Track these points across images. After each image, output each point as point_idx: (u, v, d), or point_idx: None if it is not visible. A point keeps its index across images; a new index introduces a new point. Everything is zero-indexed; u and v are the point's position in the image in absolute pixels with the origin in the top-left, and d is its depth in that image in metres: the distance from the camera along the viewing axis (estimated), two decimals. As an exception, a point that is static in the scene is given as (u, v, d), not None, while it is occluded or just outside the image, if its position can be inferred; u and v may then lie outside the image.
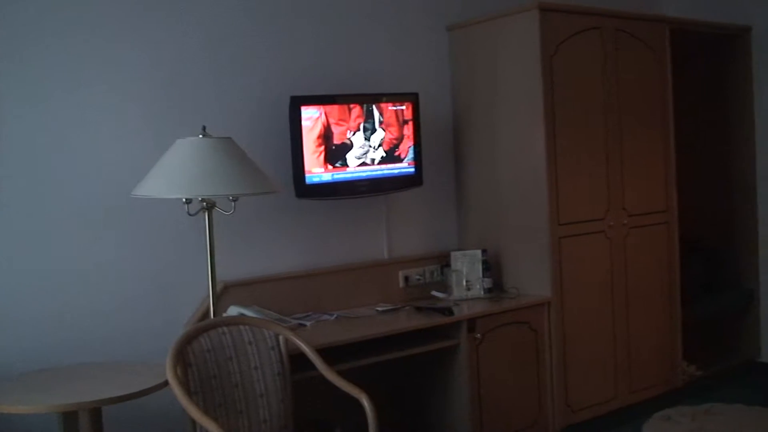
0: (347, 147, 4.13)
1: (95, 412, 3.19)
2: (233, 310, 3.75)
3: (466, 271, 4.48)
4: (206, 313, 3.66)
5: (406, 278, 4.55)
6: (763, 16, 5.62)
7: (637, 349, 4.86)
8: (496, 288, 4.57)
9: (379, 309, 4.24)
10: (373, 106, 4.21)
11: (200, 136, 3.39)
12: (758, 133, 5.71)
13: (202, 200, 3.43)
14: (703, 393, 5.27)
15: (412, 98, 4.36)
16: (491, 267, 4.52)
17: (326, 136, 4.05)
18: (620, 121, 4.75)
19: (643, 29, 4.90)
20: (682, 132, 5.51)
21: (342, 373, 3.31)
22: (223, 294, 3.86)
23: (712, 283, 5.71)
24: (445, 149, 4.82)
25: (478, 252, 4.51)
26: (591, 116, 4.61)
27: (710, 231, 5.94)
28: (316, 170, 4.03)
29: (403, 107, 4.32)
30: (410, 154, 4.37)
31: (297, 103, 3.96)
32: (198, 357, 3.21)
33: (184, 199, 3.36)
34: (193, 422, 3.11)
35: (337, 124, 4.08)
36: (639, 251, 4.87)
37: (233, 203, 3.49)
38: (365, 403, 3.11)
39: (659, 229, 5.01)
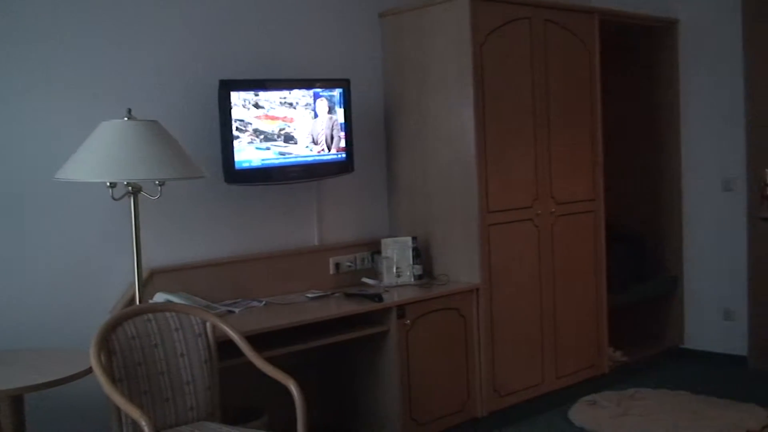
0: (278, 132, 4.10)
1: (17, 400, 3.12)
2: (160, 297, 3.71)
3: (397, 258, 4.50)
4: (132, 300, 3.60)
5: (337, 265, 4.55)
6: (690, 10, 5.74)
7: (564, 335, 4.94)
8: (427, 275, 4.60)
9: (309, 296, 4.23)
10: (304, 91, 4.19)
11: (125, 118, 3.33)
12: (684, 124, 5.84)
13: (128, 184, 3.37)
14: (629, 378, 5.40)
15: (344, 84, 4.35)
16: (421, 254, 4.55)
17: (257, 121, 4.02)
18: (549, 110, 4.81)
19: (573, 20, 4.97)
20: (612, 122, 5.63)
21: (271, 360, 3.29)
22: (149, 281, 3.81)
23: (637, 270, 5.83)
24: (377, 136, 4.82)
25: (409, 239, 4.53)
26: (520, 105, 4.66)
27: (636, 220, 6.07)
28: (246, 155, 3.99)
29: (334, 93, 4.31)
30: (341, 141, 4.36)
31: (226, 87, 3.92)
32: (123, 344, 3.16)
33: (108, 183, 3.30)
34: (118, 410, 3.07)
35: (267, 109, 4.05)
36: (566, 239, 4.95)
37: (159, 188, 3.44)
38: (293, 389, 3.09)
39: (586, 218, 5.10)
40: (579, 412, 4.79)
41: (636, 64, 6.04)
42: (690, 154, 5.84)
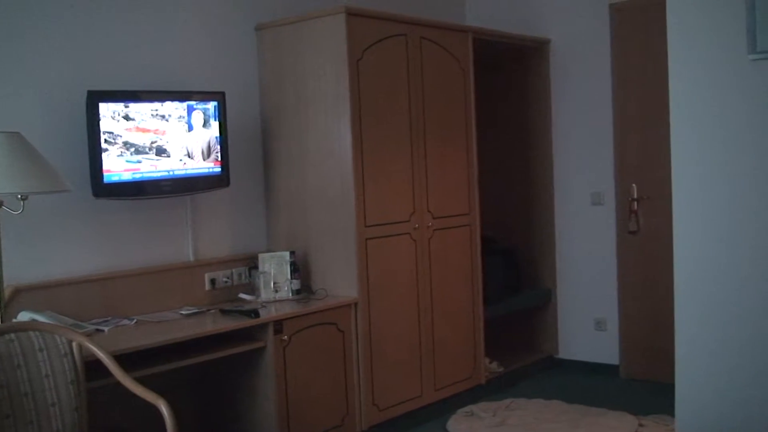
0: (149, 145, 4.00)
1: None
2: (24, 316, 3.54)
3: (274, 272, 4.45)
4: (-7, 320, 3.43)
5: (213, 281, 4.47)
6: (561, 30, 5.94)
7: (442, 347, 4.99)
8: (305, 289, 4.57)
9: (183, 312, 4.14)
10: (177, 104, 4.11)
11: (-15, 130, 3.19)
12: (555, 139, 6.03)
13: (-12, 199, 3.23)
14: (505, 388, 5.51)
15: (219, 97, 4.29)
16: (299, 269, 4.52)
17: (127, 133, 3.91)
18: (425, 126, 4.87)
19: (448, 38, 5.06)
20: (486, 138, 5.75)
21: (145, 380, 3.19)
22: (13, 299, 3.63)
23: (512, 283, 5.96)
24: (254, 150, 4.77)
25: (287, 254, 4.50)
26: (397, 121, 4.71)
27: (511, 233, 6.21)
28: (116, 169, 3.87)
29: (209, 106, 4.24)
30: (216, 154, 4.29)
31: (95, 98, 3.80)
32: (-19, 366, 3.01)
33: (-34, 197, 3.15)
34: (-25, 435, 2.92)
35: (138, 121, 3.95)
36: (443, 252, 5.02)
37: (22, 202, 3.30)
38: (163, 409, 3.00)
39: (462, 231, 5.18)
40: (457, 423, 4.84)
41: (510, 82, 6.22)
42: (561, 169, 6.02)
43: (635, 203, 5.62)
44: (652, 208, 5.52)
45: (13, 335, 3.16)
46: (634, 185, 5.61)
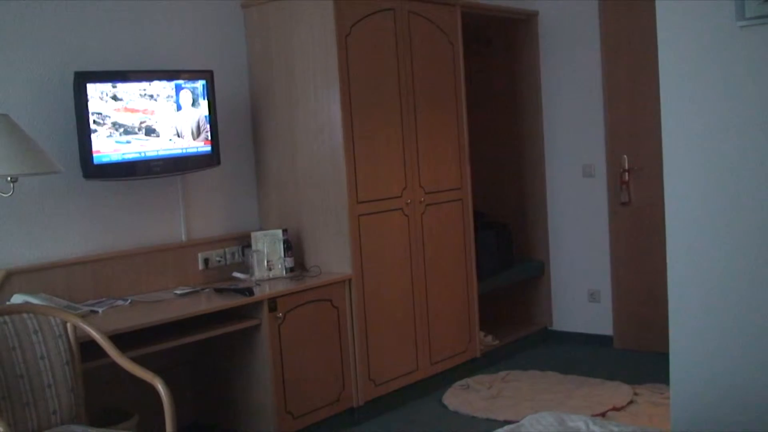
0: (138, 125, 3.98)
1: None
2: (18, 299, 3.54)
3: (268, 251, 4.45)
4: (-14, 303, 3.43)
5: (206, 260, 4.46)
6: (548, 1, 5.92)
7: (436, 322, 5.01)
8: (298, 267, 4.57)
9: (177, 292, 4.13)
10: (165, 83, 4.09)
11: (-27, 113, 3.17)
12: (545, 112, 6.02)
13: (-23, 182, 3.21)
14: (500, 361, 5.54)
15: (207, 76, 4.27)
16: (293, 246, 4.52)
17: (115, 114, 3.89)
18: (415, 101, 4.86)
19: (436, 12, 5.03)
20: (477, 112, 5.74)
21: (140, 359, 3.20)
22: (6, 282, 3.63)
23: (505, 256, 5.96)
24: (244, 128, 4.76)
25: (279, 232, 4.49)
26: (387, 96, 4.69)
27: (503, 207, 6.22)
28: (105, 150, 3.85)
29: (197, 85, 4.22)
30: (206, 133, 4.28)
31: (82, 79, 3.77)
32: (-24, 348, 3.01)
33: (-45, 181, 3.14)
34: (-28, 418, 2.92)
35: (127, 101, 3.93)
36: (436, 227, 5.02)
37: (12, 184, 3.29)
38: (160, 387, 3.01)
39: (454, 206, 5.18)
40: (453, 397, 4.87)
41: (499, 55, 6.19)
42: (552, 142, 6.02)
43: (626, 174, 5.63)
44: (644, 179, 5.53)
45: (6, 318, 3.16)
46: (625, 156, 5.62)
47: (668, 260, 3.24)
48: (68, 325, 3.24)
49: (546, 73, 5.99)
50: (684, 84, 3.11)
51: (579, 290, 6.00)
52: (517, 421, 2.88)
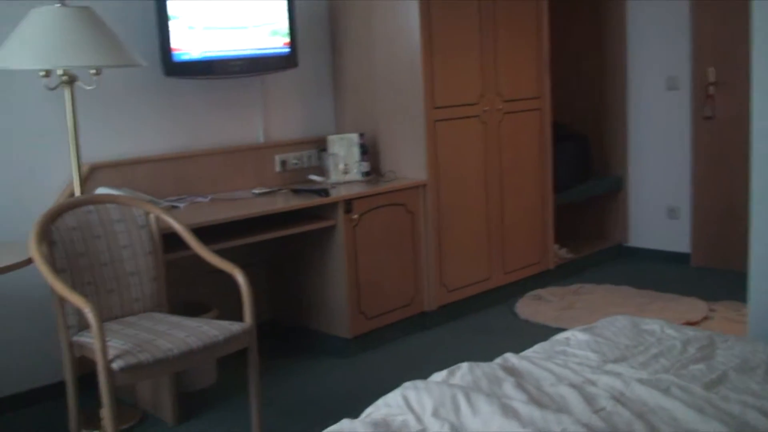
0: (218, 23, 3.98)
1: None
2: (102, 191, 3.62)
3: (344, 154, 4.46)
4: (72, 196, 3.51)
5: (283, 162, 4.50)
6: None
7: (511, 232, 4.98)
8: (373, 171, 4.57)
9: (255, 192, 4.19)
10: (245, -17, 4.07)
11: (57, 5, 3.20)
12: (629, 20, 5.83)
13: (63, 74, 3.26)
14: (574, 274, 5.50)
15: (287, -24, 4.23)
16: (368, 151, 4.52)
17: (195, 10, 3.89)
18: (495, 6, 4.74)
19: None
20: (559, 24, 5.58)
21: (219, 255, 3.23)
22: (90, 176, 3.72)
23: (583, 170, 5.87)
24: (322, 32, 4.72)
25: (355, 136, 4.49)
26: (467, 2, 4.59)
27: (582, 120, 6.09)
28: (185, 47, 3.88)
29: (277, -16, 4.19)
30: (285, 34, 4.26)
31: (163, -25, 3.78)
32: (64, 235, 3.10)
33: (42, 72, 3.19)
34: (60, 301, 3.03)
35: None
36: (513, 137, 4.95)
37: (95, 78, 3.33)
38: (239, 278, 3.06)
39: (533, 116, 5.09)
40: (525, 306, 4.87)
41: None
42: (634, 53, 5.84)
43: (712, 88, 5.44)
44: (730, 93, 5.33)
45: (92, 207, 3.24)
46: (711, 69, 5.42)
47: (752, 178, 3.13)
48: (151, 216, 3.31)
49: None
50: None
51: (657, 207, 5.88)
52: (591, 326, 2.86)
